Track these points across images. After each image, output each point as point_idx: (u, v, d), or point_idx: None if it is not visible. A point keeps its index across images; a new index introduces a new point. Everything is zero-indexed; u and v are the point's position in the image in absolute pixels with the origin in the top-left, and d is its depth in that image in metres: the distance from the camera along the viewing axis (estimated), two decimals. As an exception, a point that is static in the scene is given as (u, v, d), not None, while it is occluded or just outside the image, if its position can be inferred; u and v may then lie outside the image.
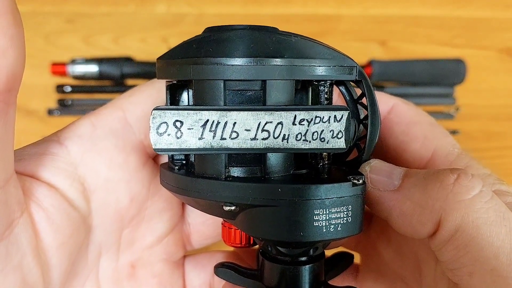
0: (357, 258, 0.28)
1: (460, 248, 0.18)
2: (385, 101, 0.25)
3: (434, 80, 0.53)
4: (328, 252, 0.26)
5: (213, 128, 0.19)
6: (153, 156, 0.26)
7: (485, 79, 0.56)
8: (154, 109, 0.19)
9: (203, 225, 0.28)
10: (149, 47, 0.55)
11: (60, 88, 0.51)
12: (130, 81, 0.52)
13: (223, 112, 0.19)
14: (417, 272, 0.24)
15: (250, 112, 0.19)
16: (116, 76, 0.51)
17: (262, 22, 0.22)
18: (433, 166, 0.23)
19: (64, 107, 0.51)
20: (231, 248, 0.26)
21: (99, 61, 0.51)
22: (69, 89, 0.51)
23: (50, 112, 0.51)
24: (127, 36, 0.55)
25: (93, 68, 0.50)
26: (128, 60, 0.51)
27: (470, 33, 0.57)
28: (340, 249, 0.27)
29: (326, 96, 0.21)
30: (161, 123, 0.19)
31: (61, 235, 0.21)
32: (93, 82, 0.52)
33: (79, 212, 0.22)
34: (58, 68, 0.51)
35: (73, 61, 0.51)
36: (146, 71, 0.51)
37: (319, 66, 0.20)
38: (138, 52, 0.54)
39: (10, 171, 0.18)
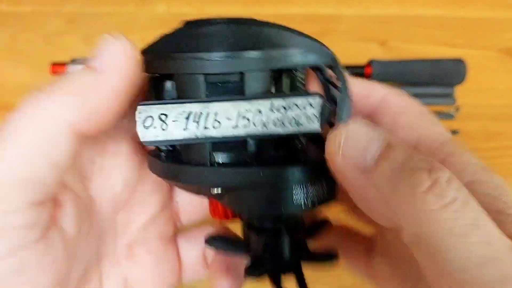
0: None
1: (426, 255, 0.17)
2: (377, 90, 0.25)
3: (434, 80, 0.53)
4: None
5: (197, 119, 0.21)
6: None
7: (485, 79, 0.56)
8: (139, 104, 0.20)
9: (190, 203, 0.30)
10: (149, 47, 0.55)
11: (60, 88, 0.51)
12: (130, 81, 0.52)
13: (205, 103, 0.20)
14: None
15: (230, 102, 0.20)
16: (116, 76, 0.51)
17: (262, 22, 0.22)
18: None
19: (64, 107, 0.51)
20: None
21: (99, 61, 0.51)
22: (69, 89, 0.51)
23: (50, 112, 0.51)
24: (127, 36, 0.55)
25: (93, 68, 0.50)
26: (128, 60, 0.51)
27: (470, 33, 0.57)
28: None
29: (301, 81, 0.22)
30: (147, 117, 0.21)
31: (78, 225, 0.22)
32: (93, 82, 0.52)
33: (83, 201, 0.23)
34: (58, 68, 0.51)
35: (73, 61, 0.51)
36: (146, 71, 0.51)
37: (294, 55, 0.21)
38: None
39: None
